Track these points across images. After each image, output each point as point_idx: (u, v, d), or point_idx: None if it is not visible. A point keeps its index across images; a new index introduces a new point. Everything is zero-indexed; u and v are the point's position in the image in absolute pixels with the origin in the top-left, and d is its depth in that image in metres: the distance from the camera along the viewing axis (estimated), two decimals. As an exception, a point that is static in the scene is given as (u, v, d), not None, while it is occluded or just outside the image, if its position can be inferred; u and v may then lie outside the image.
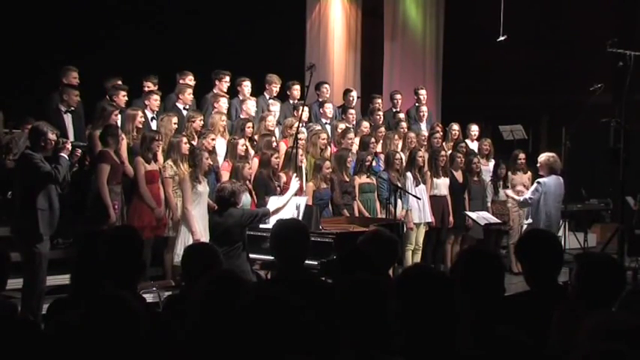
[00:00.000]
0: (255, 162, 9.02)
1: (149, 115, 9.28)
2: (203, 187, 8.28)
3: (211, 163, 8.52)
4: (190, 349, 2.96)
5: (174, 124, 8.97)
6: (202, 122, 9.21)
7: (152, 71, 10.00)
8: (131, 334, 2.68)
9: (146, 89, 9.76)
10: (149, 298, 6.95)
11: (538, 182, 9.19)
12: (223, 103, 9.82)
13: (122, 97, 9.21)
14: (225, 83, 10.24)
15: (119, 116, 8.81)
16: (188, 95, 9.76)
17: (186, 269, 4.19)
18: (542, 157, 9.31)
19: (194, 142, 8.80)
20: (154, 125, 9.19)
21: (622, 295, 3.31)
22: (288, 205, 7.84)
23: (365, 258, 4.11)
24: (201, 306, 3.00)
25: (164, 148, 8.66)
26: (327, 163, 9.24)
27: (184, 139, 8.53)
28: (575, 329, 2.88)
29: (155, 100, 9.40)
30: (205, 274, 3.25)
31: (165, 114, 9.19)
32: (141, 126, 8.80)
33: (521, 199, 9.49)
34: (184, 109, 9.68)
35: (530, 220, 9.79)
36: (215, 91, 10.17)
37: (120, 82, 9.51)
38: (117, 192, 8.10)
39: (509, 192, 10.26)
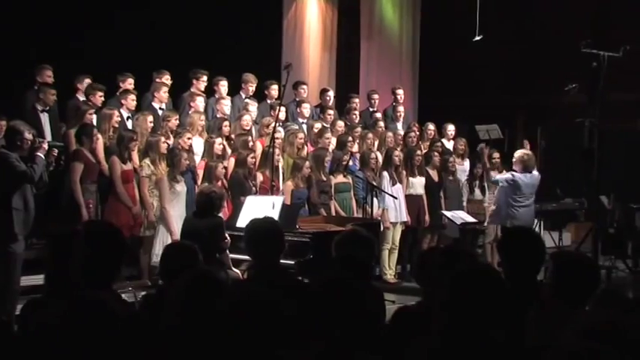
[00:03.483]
0: (231, 161, 9.01)
1: (125, 114, 9.24)
2: (181, 187, 8.28)
3: (189, 162, 8.50)
4: (168, 349, 2.95)
5: (150, 122, 8.95)
6: (178, 121, 9.20)
7: (128, 70, 9.94)
8: (110, 336, 2.66)
9: (122, 88, 9.70)
10: (125, 298, 6.89)
11: (512, 174, 9.29)
12: (200, 102, 9.81)
13: (99, 97, 9.17)
14: (202, 82, 10.22)
15: (94, 115, 8.77)
16: (164, 94, 9.73)
17: (164, 268, 4.18)
18: (518, 153, 9.45)
19: (170, 142, 8.79)
20: (129, 125, 9.15)
21: (596, 294, 3.34)
22: (264, 203, 7.83)
23: (356, 262, 4.10)
24: (179, 305, 2.98)
25: (140, 147, 8.64)
26: (307, 163, 9.25)
27: (163, 139, 8.53)
28: (550, 327, 2.90)
29: (132, 100, 9.37)
30: (184, 273, 3.24)
31: (141, 113, 9.17)
32: (117, 125, 8.78)
33: (494, 177, 9.67)
34: (160, 108, 9.65)
35: (493, 207, 9.84)
36: (192, 90, 10.15)
37: (90, 81, 9.46)
38: (91, 191, 8.09)
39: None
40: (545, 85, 13.75)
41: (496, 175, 9.85)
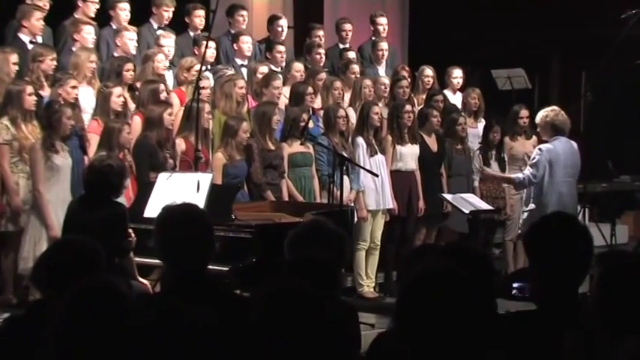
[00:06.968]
0: (136, 121, 8.99)
1: (-24, 52, 9.18)
2: (62, 160, 8.23)
3: (74, 123, 8.45)
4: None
5: (14, 64, 8.89)
6: (56, 62, 9.15)
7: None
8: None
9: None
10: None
11: (539, 149, 9.31)
12: (87, 34, 9.76)
13: None
14: (92, 5, 10.18)
15: None
16: (37, 22, 9.66)
17: (47, 274, 4.16)
18: (542, 113, 9.34)
19: (44, 92, 8.76)
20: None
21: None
22: (184, 183, 7.83)
23: (319, 268, 4.14)
24: (60, 330, 2.98)
25: (-1, 100, 8.59)
26: (245, 124, 9.24)
27: (29, 88, 8.45)
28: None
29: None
30: (74, 284, 3.25)
31: (0, 49, 9.10)
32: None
33: (518, 177, 9.54)
34: (31, 42, 9.59)
35: (531, 206, 9.70)
36: (77, 16, 10.09)
37: None
38: None
39: (489, 170, 10.23)
40: (591, 12, 13.85)
41: (521, 173, 9.50)
